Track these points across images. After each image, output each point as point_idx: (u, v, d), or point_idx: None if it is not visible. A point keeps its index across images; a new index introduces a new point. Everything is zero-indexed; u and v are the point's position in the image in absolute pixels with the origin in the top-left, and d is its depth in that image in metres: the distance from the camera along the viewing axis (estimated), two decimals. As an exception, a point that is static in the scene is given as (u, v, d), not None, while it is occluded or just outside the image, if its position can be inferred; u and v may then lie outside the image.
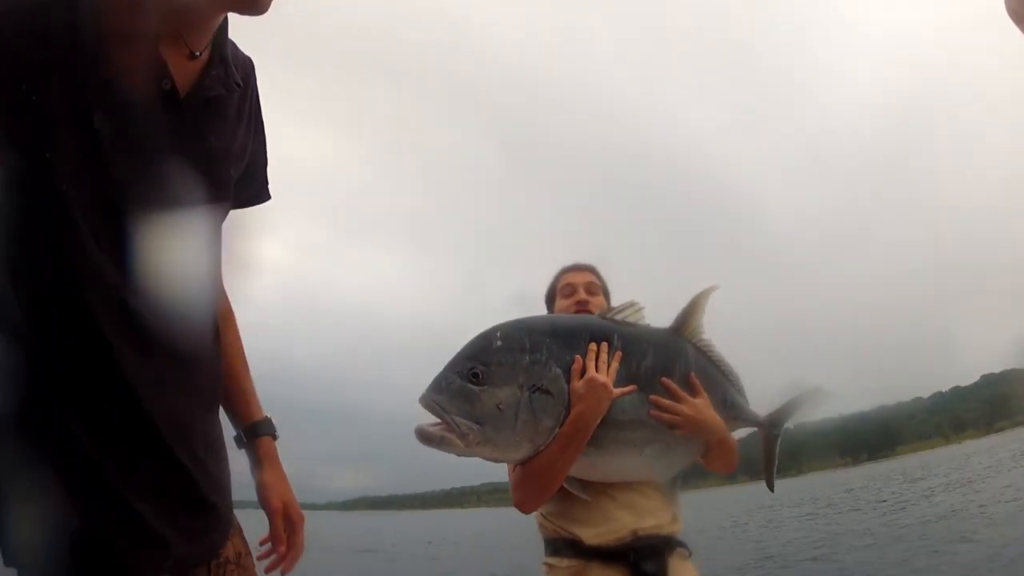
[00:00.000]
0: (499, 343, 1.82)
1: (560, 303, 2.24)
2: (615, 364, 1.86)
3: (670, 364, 1.98)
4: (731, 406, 2.10)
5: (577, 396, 1.79)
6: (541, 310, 2.33)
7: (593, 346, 1.86)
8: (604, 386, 1.80)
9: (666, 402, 1.91)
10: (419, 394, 1.76)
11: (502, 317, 1.94)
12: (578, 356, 1.84)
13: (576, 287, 2.25)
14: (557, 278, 2.33)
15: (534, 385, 1.79)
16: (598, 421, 1.79)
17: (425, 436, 1.71)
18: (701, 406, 1.93)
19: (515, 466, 1.90)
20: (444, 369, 1.80)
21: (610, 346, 1.87)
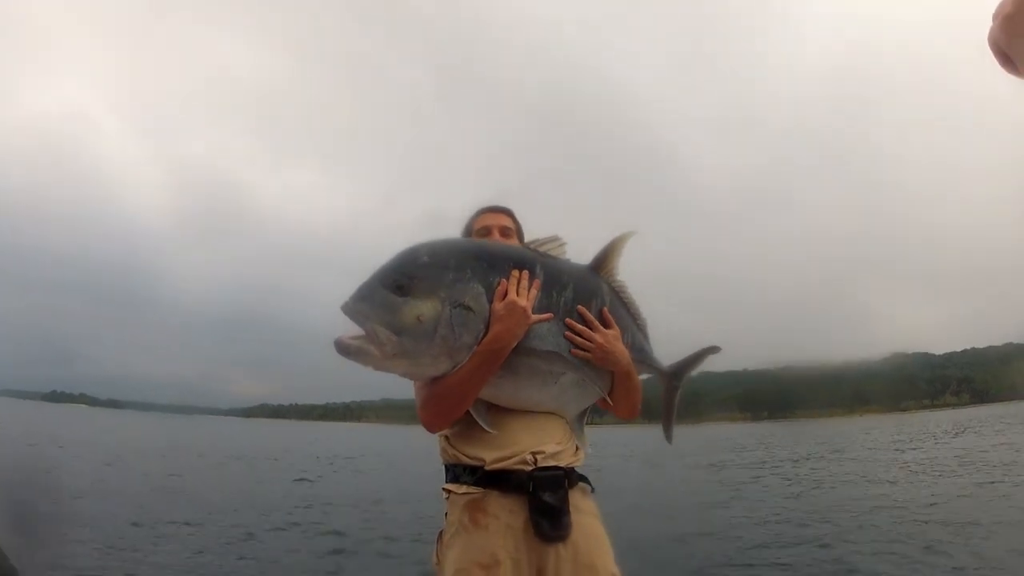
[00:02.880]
0: (425, 258, 1.84)
1: None
2: (534, 291, 1.91)
3: (588, 299, 2.04)
4: (637, 349, 2.16)
5: (496, 317, 1.83)
6: (454, 233, 2.34)
7: (516, 272, 1.91)
8: (523, 310, 1.85)
9: (580, 327, 1.98)
10: (329, 306, 1.83)
11: (414, 235, 2.14)
12: (502, 279, 1.89)
13: (491, 229, 2.28)
14: (474, 217, 2.36)
15: (456, 301, 1.82)
16: (514, 344, 1.84)
17: (343, 348, 1.74)
18: (612, 337, 2.01)
19: (424, 384, 1.92)
20: (369, 279, 1.83)
21: (532, 275, 1.92)
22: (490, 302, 1.86)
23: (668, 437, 2.34)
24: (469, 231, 2.34)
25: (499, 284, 1.89)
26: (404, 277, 1.80)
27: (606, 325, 2.03)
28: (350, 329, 1.78)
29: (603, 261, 2.14)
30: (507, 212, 2.39)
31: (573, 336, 1.96)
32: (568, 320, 1.98)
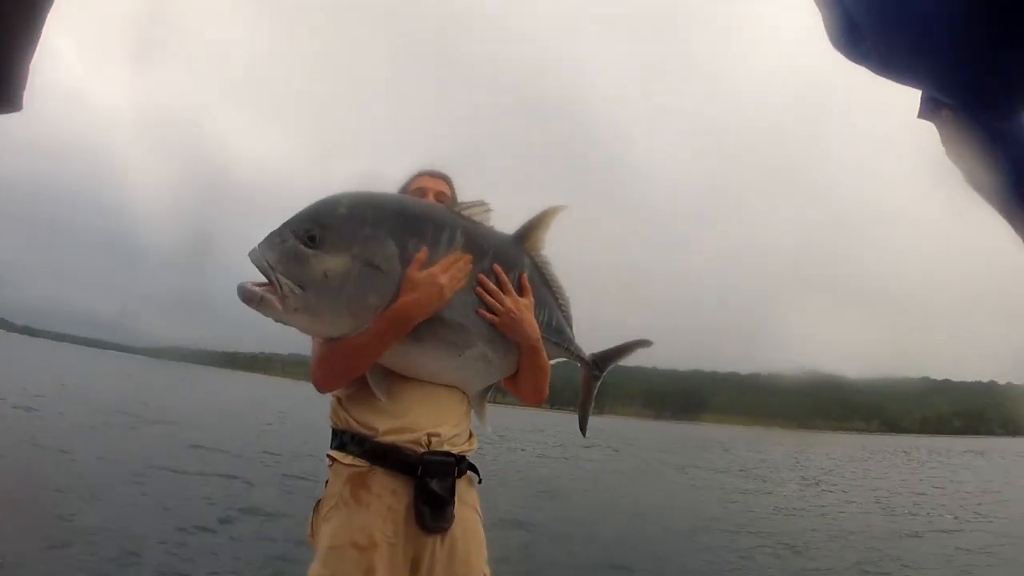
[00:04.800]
0: (343, 210, 1.80)
1: None
2: (463, 274, 1.87)
3: (507, 270, 1.97)
4: (556, 330, 2.12)
5: (411, 284, 1.79)
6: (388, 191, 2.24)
7: (459, 253, 1.87)
8: (440, 289, 1.81)
9: (491, 286, 1.92)
10: (244, 252, 1.74)
11: (348, 189, 1.90)
12: (422, 244, 1.84)
13: (426, 192, 2.24)
14: (411, 180, 2.31)
15: (368, 260, 1.76)
16: (422, 319, 1.80)
17: (246, 295, 1.69)
18: (523, 306, 1.95)
19: (323, 342, 1.87)
20: (280, 226, 1.77)
21: (452, 239, 1.88)
22: (404, 265, 1.79)
23: (583, 429, 2.32)
24: (404, 192, 2.27)
25: (420, 250, 1.81)
26: (317, 227, 1.73)
27: (521, 293, 1.97)
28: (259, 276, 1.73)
29: (529, 232, 2.08)
30: (444, 178, 2.33)
31: (483, 294, 1.90)
32: (480, 276, 1.90)
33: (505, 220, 2.06)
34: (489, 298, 1.90)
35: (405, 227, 1.82)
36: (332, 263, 1.71)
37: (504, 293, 1.92)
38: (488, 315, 1.90)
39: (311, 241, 1.71)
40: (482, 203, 2.01)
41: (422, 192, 2.22)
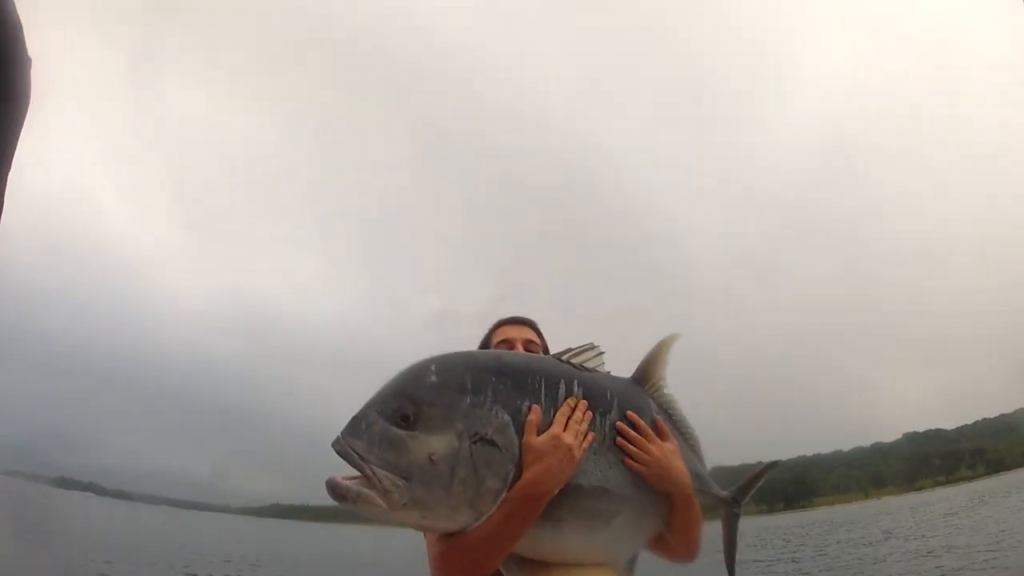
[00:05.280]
0: (434, 378, 1.61)
1: None
2: (585, 424, 1.68)
3: (637, 415, 1.80)
4: (695, 476, 1.88)
5: (535, 454, 1.58)
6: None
7: (571, 401, 1.69)
8: (569, 449, 1.60)
9: (634, 435, 1.75)
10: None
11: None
12: (534, 403, 1.65)
13: (513, 343, 2.15)
14: (492, 331, 2.24)
15: (476, 434, 1.57)
16: (557, 489, 1.59)
17: (338, 492, 1.49)
18: (670, 451, 1.77)
19: (440, 537, 1.64)
20: (365, 407, 1.59)
21: (570, 393, 1.71)
22: (520, 433, 1.60)
23: (731, 570, 2.12)
24: (487, 346, 2.21)
25: (531, 410, 1.63)
26: (409, 404, 1.56)
27: (662, 436, 1.79)
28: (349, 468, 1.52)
29: (647, 372, 1.93)
30: (529, 324, 2.24)
31: (625, 444, 1.73)
32: (620, 424, 1.75)
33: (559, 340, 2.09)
34: (633, 447, 1.73)
35: (513, 388, 1.65)
36: (436, 444, 1.53)
37: (646, 439, 1.74)
38: (635, 465, 1.72)
39: (405, 421, 1.55)
40: (592, 346, 1.85)
41: (509, 344, 2.14)
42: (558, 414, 1.66)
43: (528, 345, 2.16)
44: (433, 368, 1.64)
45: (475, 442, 1.56)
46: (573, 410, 1.68)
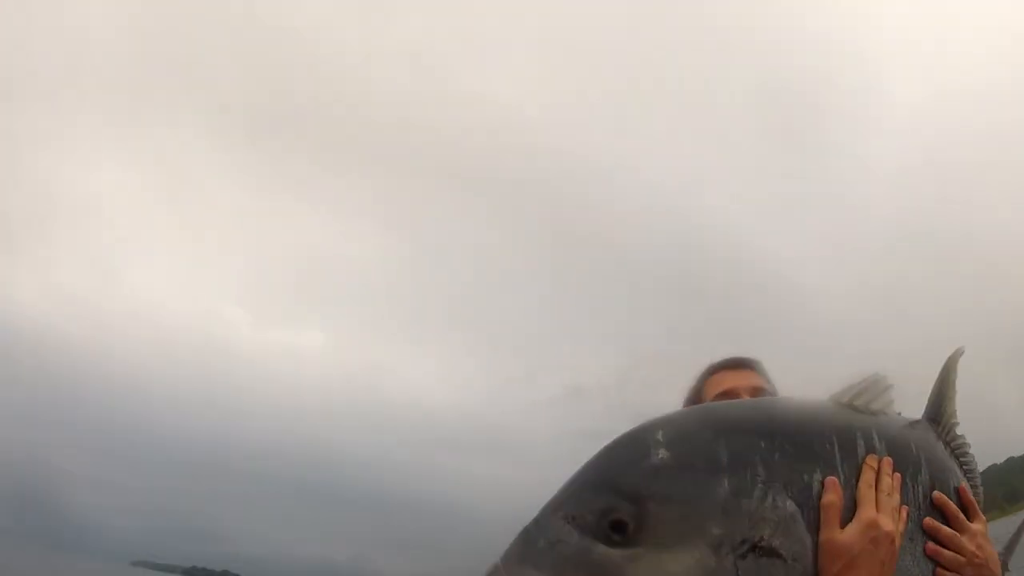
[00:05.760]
0: (665, 454, 1.14)
1: None
2: (897, 496, 1.19)
3: (943, 478, 1.34)
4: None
5: (846, 558, 1.13)
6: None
7: (872, 460, 1.18)
8: (892, 541, 1.15)
9: (947, 531, 1.28)
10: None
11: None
12: (830, 477, 1.15)
13: (738, 393, 1.71)
14: (704, 380, 1.86)
15: (745, 541, 1.12)
16: None
17: None
18: (981, 536, 1.31)
19: None
20: (544, 510, 1.17)
21: (870, 450, 1.21)
22: (812, 526, 1.14)
23: None
24: (697, 398, 1.83)
25: (826, 486, 1.16)
26: (625, 501, 1.15)
27: (970, 515, 1.32)
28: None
29: (940, 407, 1.45)
30: (755, 367, 1.85)
31: (939, 551, 1.26)
32: (929, 522, 1.27)
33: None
34: (949, 553, 1.26)
35: (793, 454, 1.16)
36: (677, 567, 1.14)
37: (957, 528, 1.29)
38: (948, 568, 1.26)
39: (619, 532, 1.15)
40: (879, 378, 1.32)
41: (733, 395, 1.76)
42: (862, 484, 1.16)
43: (756, 393, 1.71)
44: (661, 437, 1.14)
45: (743, 555, 1.12)
46: (878, 473, 1.17)
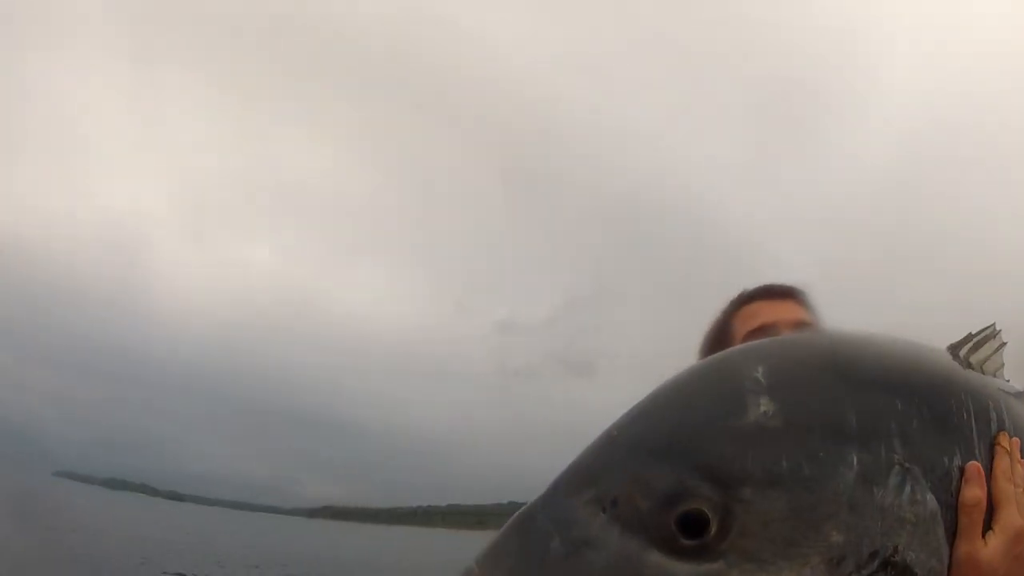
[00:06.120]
0: (767, 406, 0.75)
1: None
2: None
3: None
4: None
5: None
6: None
7: (1004, 440, 0.88)
8: None
9: None
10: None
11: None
12: (971, 463, 0.83)
13: (776, 328, 1.32)
14: (732, 311, 1.43)
15: (875, 554, 0.73)
16: None
17: None
18: None
19: None
20: (557, 489, 0.76)
21: (1000, 427, 0.90)
22: (948, 531, 0.79)
23: None
24: (725, 334, 1.41)
25: (967, 476, 0.82)
26: (705, 485, 0.72)
27: None
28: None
29: None
30: (796, 296, 1.44)
31: None
32: None
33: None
34: None
35: (932, 425, 0.83)
36: None
37: None
38: None
39: (689, 532, 0.70)
40: (993, 331, 1.01)
41: (771, 331, 1.32)
42: (999, 475, 0.83)
43: (799, 327, 1.30)
44: (762, 376, 0.74)
45: (872, 573, 0.71)
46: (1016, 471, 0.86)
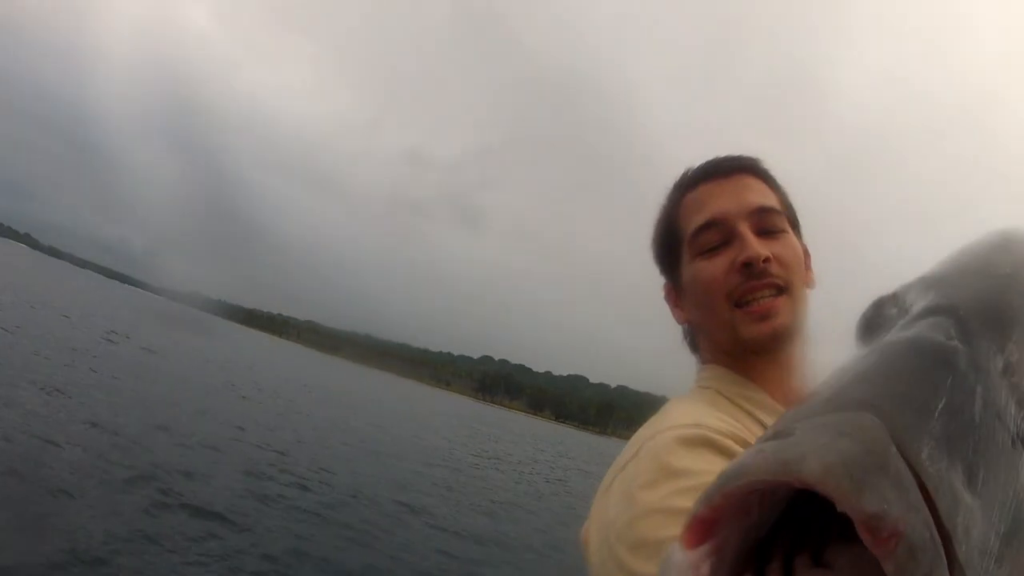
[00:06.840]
0: None
1: (700, 267, 1.01)
2: None
3: None
4: None
5: None
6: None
7: None
8: None
9: None
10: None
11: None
12: None
13: (733, 224, 1.00)
14: (677, 200, 1.08)
15: None
16: None
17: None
18: None
19: None
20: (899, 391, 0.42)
21: None
22: None
23: None
24: (673, 235, 1.06)
25: None
26: None
27: None
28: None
29: None
30: (748, 168, 1.05)
31: None
32: None
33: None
34: None
35: None
36: None
37: None
38: None
39: None
40: None
41: (724, 230, 0.99)
42: None
43: (762, 220, 1.00)
44: None
45: None
46: None
